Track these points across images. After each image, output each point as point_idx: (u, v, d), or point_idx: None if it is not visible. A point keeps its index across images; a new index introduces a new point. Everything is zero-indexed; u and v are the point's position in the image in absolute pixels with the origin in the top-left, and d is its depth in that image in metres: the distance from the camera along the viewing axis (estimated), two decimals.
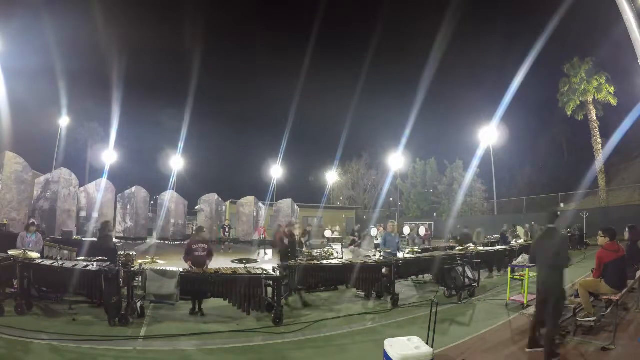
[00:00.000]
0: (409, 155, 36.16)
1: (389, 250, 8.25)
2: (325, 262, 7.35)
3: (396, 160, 34.34)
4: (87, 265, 5.73)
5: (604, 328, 4.86)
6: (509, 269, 7.21)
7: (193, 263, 6.46)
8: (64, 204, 14.85)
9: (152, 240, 19.31)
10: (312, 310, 6.52)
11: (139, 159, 42.14)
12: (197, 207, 19.29)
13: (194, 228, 14.33)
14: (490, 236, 16.10)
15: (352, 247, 13.65)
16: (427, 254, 9.06)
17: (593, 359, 4.21)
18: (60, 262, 5.76)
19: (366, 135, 52.69)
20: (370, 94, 53.23)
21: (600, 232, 5.38)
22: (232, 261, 6.94)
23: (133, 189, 19.70)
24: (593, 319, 4.80)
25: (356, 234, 14.77)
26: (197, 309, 6.06)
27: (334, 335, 5.21)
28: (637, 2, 5.42)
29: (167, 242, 19.00)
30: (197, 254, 6.60)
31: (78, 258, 6.66)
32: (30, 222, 7.81)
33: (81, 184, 17.09)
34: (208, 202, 18.92)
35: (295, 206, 20.27)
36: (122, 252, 6.95)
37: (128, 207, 19.07)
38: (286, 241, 8.21)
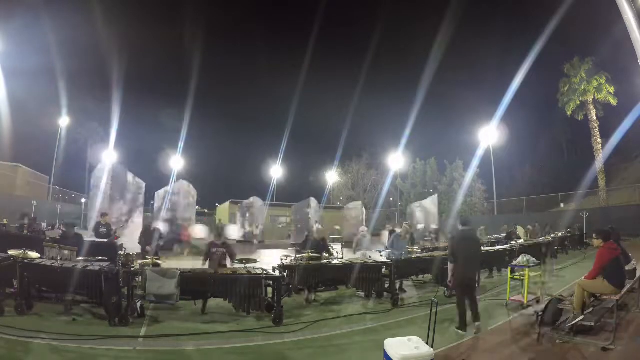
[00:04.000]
0: (409, 155, 36.20)
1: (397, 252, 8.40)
2: (325, 262, 7.35)
3: (396, 160, 34.35)
4: (87, 265, 5.73)
5: (604, 328, 4.86)
6: (509, 268, 7.21)
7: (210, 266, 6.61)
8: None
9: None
10: (312, 310, 6.52)
11: (139, 159, 42.19)
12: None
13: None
14: (490, 236, 16.09)
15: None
16: (427, 254, 9.05)
17: (593, 359, 4.22)
18: (60, 262, 5.76)
19: (366, 135, 52.78)
20: (370, 93, 53.27)
21: (594, 235, 5.48)
22: (232, 261, 6.95)
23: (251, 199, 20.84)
24: (581, 317, 4.81)
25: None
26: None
27: (334, 335, 5.21)
28: (637, 2, 5.42)
29: None
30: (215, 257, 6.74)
31: (78, 258, 6.65)
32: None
33: (81, 185, 17.30)
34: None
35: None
36: (122, 252, 6.95)
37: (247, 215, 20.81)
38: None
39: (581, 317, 4.81)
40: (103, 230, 9.66)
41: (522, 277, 6.74)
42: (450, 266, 5.51)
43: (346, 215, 21.46)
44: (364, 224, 18.35)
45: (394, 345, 3.48)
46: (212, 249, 6.81)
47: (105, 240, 9.31)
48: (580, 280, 5.30)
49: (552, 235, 14.70)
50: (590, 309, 5.08)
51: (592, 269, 5.22)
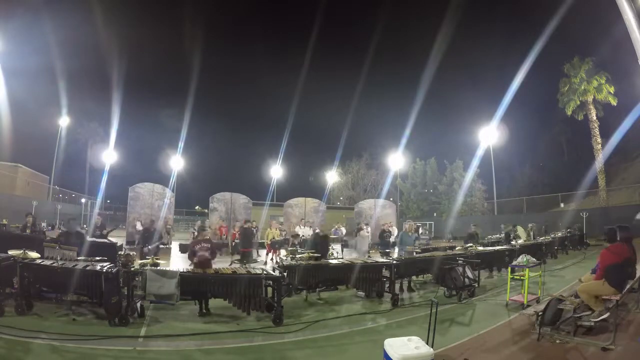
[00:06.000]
0: (409, 155, 36.20)
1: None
2: (325, 262, 7.35)
3: (396, 160, 34.33)
4: (87, 265, 5.73)
5: (604, 328, 4.86)
6: (509, 268, 7.21)
7: (198, 264, 6.48)
8: None
9: None
10: (312, 310, 6.52)
11: (139, 159, 42.26)
12: (210, 206, 18.80)
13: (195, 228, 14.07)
14: (490, 236, 16.10)
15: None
16: (427, 254, 9.05)
17: (593, 359, 4.22)
18: (60, 262, 5.75)
19: (366, 135, 52.86)
20: (370, 94, 53.41)
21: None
22: (232, 261, 6.95)
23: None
24: (607, 315, 4.77)
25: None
26: (204, 309, 6.04)
27: (334, 335, 5.21)
28: (637, 2, 5.41)
29: None
30: (200, 253, 6.61)
31: (78, 258, 6.65)
32: None
33: (81, 185, 17.14)
34: (223, 200, 18.48)
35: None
36: (122, 252, 6.96)
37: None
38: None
39: (607, 314, 4.78)
40: (97, 232, 9.89)
41: (522, 277, 6.74)
42: None
43: (287, 212, 19.24)
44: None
45: (394, 345, 3.49)
46: (196, 247, 6.75)
47: (105, 240, 9.34)
48: (579, 287, 5.30)
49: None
50: (589, 312, 5.06)
51: (598, 270, 5.22)
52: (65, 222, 9.03)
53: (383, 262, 7.48)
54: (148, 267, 5.78)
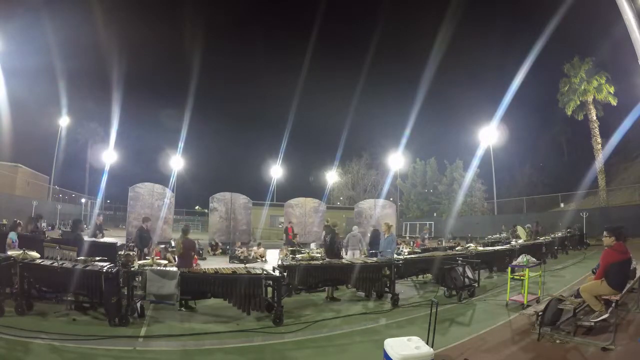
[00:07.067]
0: (409, 155, 36.24)
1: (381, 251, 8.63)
2: (325, 262, 7.35)
3: (396, 160, 34.33)
4: (87, 265, 5.73)
5: (604, 328, 4.86)
6: (509, 268, 7.21)
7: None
8: None
9: None
10: (312, 310, 6.51)
11: (139, 159, 42.32)
12: (210, 206, 18.57)
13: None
14: (490, 236, 16.11)
15: None
16: (427, 254, 9.06)
17: (593, 359, 4.22)
18: (60, 262, 5.75)
19: (366, 135, 52.82)
20: (370, 93, 53.48)
21: (605, 232, 5.28)
22: (232, 261, 6.94)
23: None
24: (606, 315, 4.77)
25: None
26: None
27: (334, 335, 5.21)
28: (637, 2, 5.41)
29: None
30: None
31: (78, 258, 6.64)
32: (17, 222, 7.93)
33: (81, 185, 17.10)
34: (223, 200, 18.29)
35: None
36: (122, 252, 6.95)
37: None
38: None
39: (606, 315, 4.79)
40: (96, 232, 10.00)
41: (522, 277, 6.74)
42: None
43: (288, 212, 19.03)
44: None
45: (394, 345, 3.48)
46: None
47: (105, 240, 9.36)
48: (582, 287, 5.29)
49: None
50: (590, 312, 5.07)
51: (598, 269, 5.20)
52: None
53: (383, 262, 7.48)
54: (148, 267, 5.78)
